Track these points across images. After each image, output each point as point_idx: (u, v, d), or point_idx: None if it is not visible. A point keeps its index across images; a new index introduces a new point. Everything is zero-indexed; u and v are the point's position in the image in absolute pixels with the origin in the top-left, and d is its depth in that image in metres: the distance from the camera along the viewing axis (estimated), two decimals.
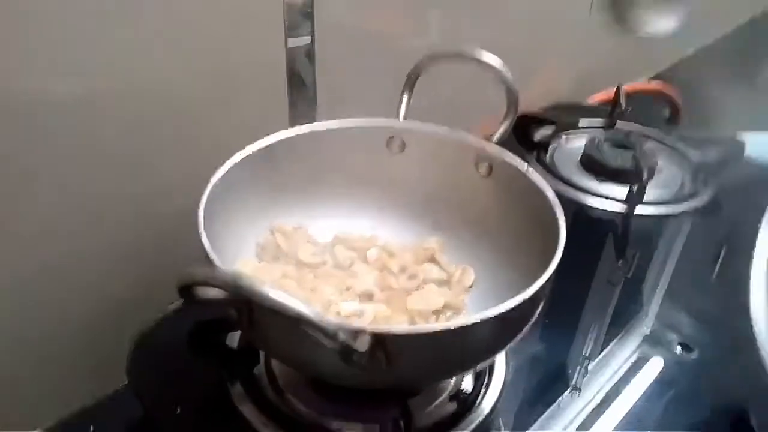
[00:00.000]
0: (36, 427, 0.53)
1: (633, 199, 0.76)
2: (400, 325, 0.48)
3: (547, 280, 0.42)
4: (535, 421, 0.53)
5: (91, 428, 0.53)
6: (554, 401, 0.55)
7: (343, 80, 0.70)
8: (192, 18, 0.55)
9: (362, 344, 0.34)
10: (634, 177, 0.77)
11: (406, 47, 0.73)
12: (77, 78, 0.50)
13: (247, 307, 0.37)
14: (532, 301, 0.41)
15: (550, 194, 0.49)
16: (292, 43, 0.64)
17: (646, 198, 0.76)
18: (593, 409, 0.54)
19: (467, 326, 0.38)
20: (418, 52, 0.58)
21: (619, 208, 0.78)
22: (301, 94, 0.67)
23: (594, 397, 0.55)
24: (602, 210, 0.78)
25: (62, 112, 0.50)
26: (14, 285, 0.52)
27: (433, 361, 0.40)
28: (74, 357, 0.58)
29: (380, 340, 0.36)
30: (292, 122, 0.67)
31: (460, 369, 0.46)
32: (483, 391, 0.52)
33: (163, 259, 0.55)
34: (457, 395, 0.51)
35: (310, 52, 0.66)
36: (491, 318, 0.38)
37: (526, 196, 0.52)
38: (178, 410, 0.50)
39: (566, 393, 0.56)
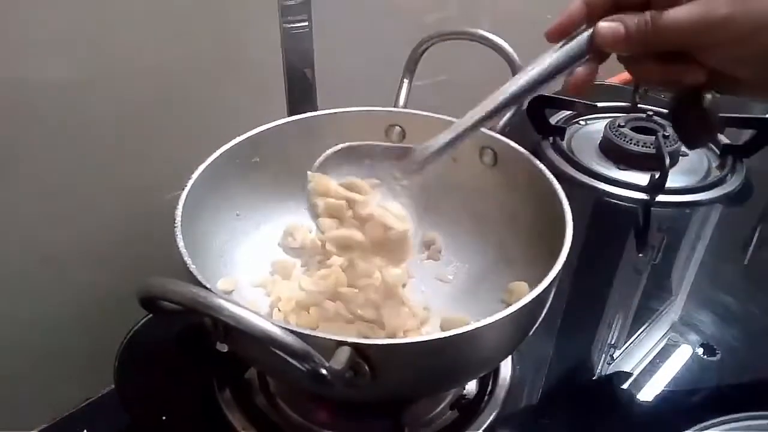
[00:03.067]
0: (30, 428, 0.52)
1: (654, 187, 0.71)
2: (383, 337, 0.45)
3: (552, 282, 0.38)
4: (547, 423, 0.50)
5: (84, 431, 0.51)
6: (575, 394, 0.52)
7: (344, 66, 0.67)
8: (185, 2, 0.52)
9: (339, 361, 0.31)
10: (655, 163, 0.72)
11: (413, 28, 0.69)
12: (65, 61, 0.48)
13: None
14: (535, 305, 0.38)
15: (558, 186, 0.45)
16: (289, 26, 0.61)
17: (669, 185, 0.71)
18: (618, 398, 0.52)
19: (463, 335, 0.34)
20: (425, 33, 0.55)
21: (640, 196, 0.73)
22: (299, 80, 0.64)
23: (620, 384, 0.52)
24: (623, 198, 0.74)
25: (49, 97, 0.48)
26: (3, 283, 0.50)
27: (425, 374, 0.36)
28: (66, 357, 0.57)
29: (362, 353, 0.32)
30: (291, 110, 0.64)
31: (459, 381, 0.43)
32: (487, 396, 0.49)
33: (158, 255, 0.53)
34: (458, 402, 0.47)
35: (307, 36, 0.63)
36: (489, 325, 0.35)
37: (533, 187, 0.48)
38: (164, 418, 0.48)
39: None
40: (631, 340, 0.57)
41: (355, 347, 0.32)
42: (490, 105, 0.41)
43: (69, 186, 0.52)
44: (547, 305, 0.40)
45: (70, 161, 0.51)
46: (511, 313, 0.36)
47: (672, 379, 0.53)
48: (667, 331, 0.58)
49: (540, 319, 0.41)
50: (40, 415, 0.52)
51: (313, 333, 0.32)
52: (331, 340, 0.32)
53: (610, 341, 0.57)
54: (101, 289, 0.56)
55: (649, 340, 0.57)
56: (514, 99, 0.40)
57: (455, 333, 0.34)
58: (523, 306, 0.36)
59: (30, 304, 0.53)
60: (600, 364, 0.55)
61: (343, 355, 0.32)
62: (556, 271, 0.38)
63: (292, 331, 0.30)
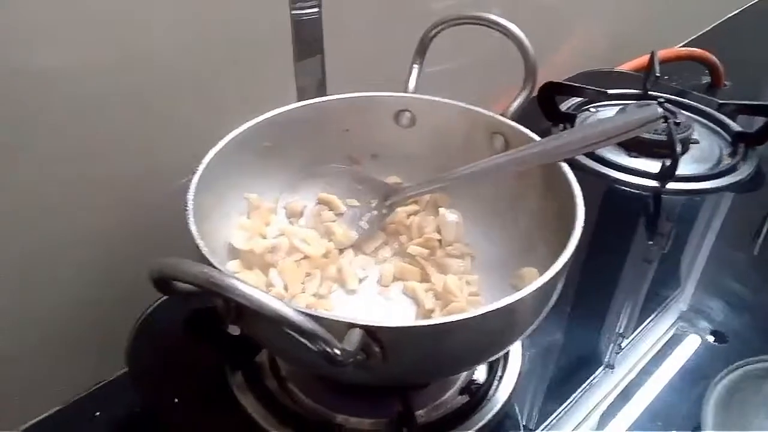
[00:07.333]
0: (44, 410, 0.53)
1: (665, 175, 0.71)
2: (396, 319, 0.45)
3: (563, 267, 0.38)
4: (556, 408, 0.50)
5: (97, 414, 0.51)
6: (583, 382, 0.52)
7: (354, 51, 0.66)
8: None
9: (350, 342, 0.31)
10: (666, 150, 0.72)
11: (424, 13, 0.68)
12: (66, 47, 0.48)
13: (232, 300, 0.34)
14: (545, 290, 0.38)
15: (568, 171, 0.45)
16: (298, 12, 0.61)
17: (680, 173, 0.71)
18: (626, 386, 0.52)
19: (473, 319, 0.35)
20: (436, 19, 0.54)
21: (651, 183, 0.73)
22: (308, 66, 0.64)
23: (628, 374, 0.52)
24: (634, 186, 0.74)
25: (50, 85, 0.47)
26: (12, 265, 0.51)
27: (435, 357, 0.37)
28: (80, 339, 0.57)
29: (373, 335, 0.33)
30: (301, 96, 0.64)
31: (469, 364, 0.43)
32: (497, 381, 0.49)
33: (167, 239, 0.53)
34: (468, 387, 0.48)
35: (317, 22, 0.63)
36: (499, 310, 0.35)
37: (544, 173, 0.48)
38: (176, 400, 0.48)
39: (599, 371, 0.53)
40: (640, 328, 0.57)
41: (366, 329, 0.32)
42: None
43: (80, 171, 0.52)
44: (558, 291, 0.40)
45: (81, 146, 0.51)
46: (521, 298, 0.36)
47: (681, 366, 0.53)
48: (677, 319, 0.58)
49: (551, 304, 0.41)
50: (53, 397, 0.53)
51: (324, 315, 0.32)
52: (342, 322, 0.32)
53: (619, 329, 0.57)
54: (114, 274, 0.56)
55: (658, 327, 0.57)
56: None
57: (465, 317, 0.34)
58: (533, 291, 0.36)
59: (43, 287, 0.53)
60: (609, 352, 0.55)
61: (354, 337, 0.32)
62: (567, 258, 0.38)
63: (304, 312, 0.30)
